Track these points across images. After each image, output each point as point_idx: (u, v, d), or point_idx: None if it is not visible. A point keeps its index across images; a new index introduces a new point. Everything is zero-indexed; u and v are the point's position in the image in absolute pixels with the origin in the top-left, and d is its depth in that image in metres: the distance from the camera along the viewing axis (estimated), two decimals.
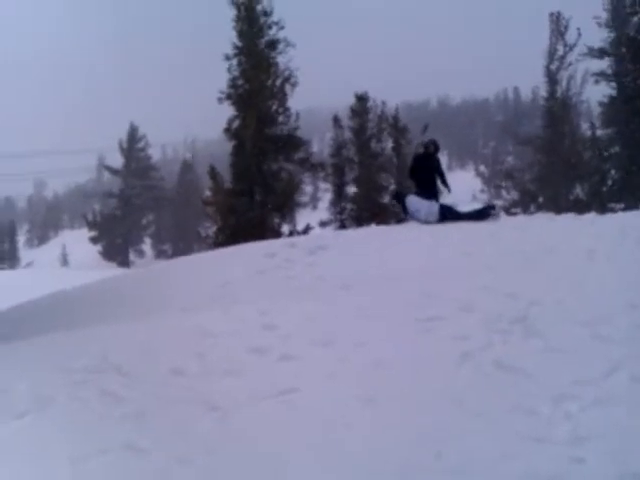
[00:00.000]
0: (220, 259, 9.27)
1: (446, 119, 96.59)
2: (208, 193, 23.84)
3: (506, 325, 4.07)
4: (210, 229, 27.47)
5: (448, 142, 78.96)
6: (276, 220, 21.44)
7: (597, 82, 25.13)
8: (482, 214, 9.72)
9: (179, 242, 58.24)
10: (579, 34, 25.09)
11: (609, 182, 24.77)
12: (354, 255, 7.54)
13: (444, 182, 11.12)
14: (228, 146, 21.75)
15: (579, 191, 25.58)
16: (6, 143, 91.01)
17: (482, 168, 67.21)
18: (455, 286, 5.14)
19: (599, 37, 24.96)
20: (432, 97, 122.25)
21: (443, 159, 18.07)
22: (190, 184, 60.30)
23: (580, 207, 19.16)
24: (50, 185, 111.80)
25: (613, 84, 24.83)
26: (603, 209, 18.13)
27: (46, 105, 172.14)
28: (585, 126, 29.41)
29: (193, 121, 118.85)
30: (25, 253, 67.12)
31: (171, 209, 59.62)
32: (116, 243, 55.71)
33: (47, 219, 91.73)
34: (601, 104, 26.16)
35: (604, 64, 25.01)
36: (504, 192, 30.13)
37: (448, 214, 9.61)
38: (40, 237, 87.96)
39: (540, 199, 26.63)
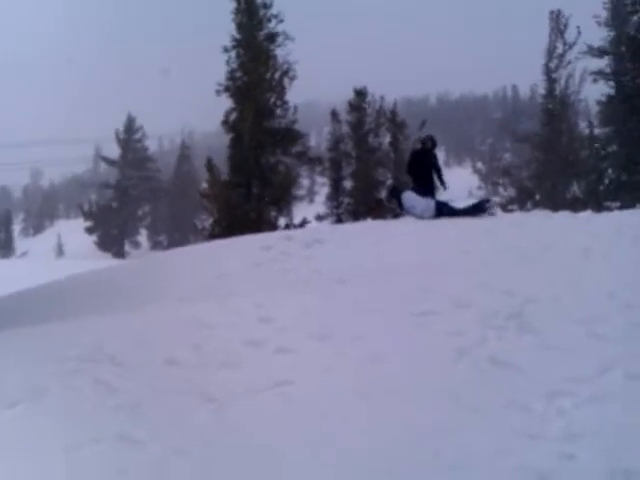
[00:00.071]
0: (216, 251, 9.26)
1: (445, 115, 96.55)
2: (205, 185, 23.78)
3: (502, 321, 4.07)
4: (206, 221, 27.41)
5: (446, 138, 79.06)
6: (273, 213, 21.43)
7: (595, 81, 25.12)
8: (477, 208, 9.77)
9: (175, 234, 58.15)
10: (579, 32, 25.04)
11: (606, 181, 24.81)
12: (350, 249, 7.54)
13: (440, 179, 11.14)
14: (226, 138, 21.70)
15: (576, 189, 25.61)
16: (3, 132, 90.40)
17: (479, 165, 67.37)
18: (451, 282, 5.14)
19: (599, 36, 24.97)
20: (431, 93, 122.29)
21: (440, 155, 18.09)
22: (187, 176, 60.19)
23: (577, 205, 19.24)
24: (46, 174, 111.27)
25: (611, 83, 24.83)
26: (599, 207, 18.19)
27: (44, 95, 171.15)
28: (583, 124, 29.39)
29: (191, 113, 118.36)
30: (20, 242, 66.96)
31: (167, 201, 59.50)
32: (112, 234, 55.59)
33: (43, 209, 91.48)
34: (599, 103, 26.16)
35: (603, 63, 25.04)
36: (501, 189, 30.16)
37: (444, 210, 9.63)
38: (36, 227, 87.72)
39: (537, 196, 26.66)
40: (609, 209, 16.95)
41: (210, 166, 21.19)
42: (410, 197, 10.15)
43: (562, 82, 26.31)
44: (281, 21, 21.53)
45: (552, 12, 25.90)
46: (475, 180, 60.02)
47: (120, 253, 53.47)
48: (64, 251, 61.48)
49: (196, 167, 56.45)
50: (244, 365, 3.78)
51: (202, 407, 3.26)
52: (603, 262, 5.51)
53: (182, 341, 4.24)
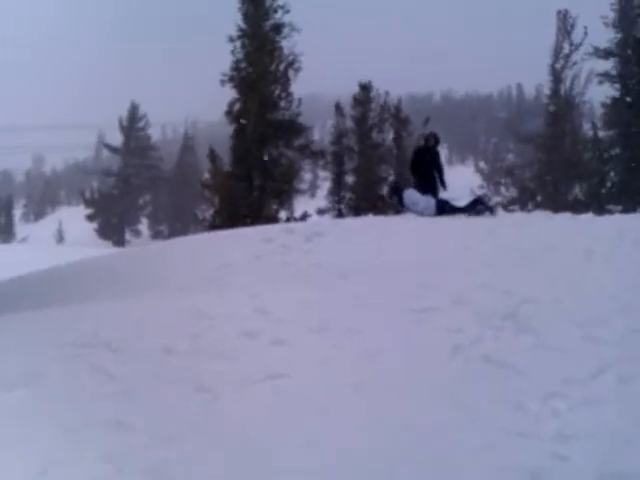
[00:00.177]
0: (217, 242, 9.26)
1: (449, 113, 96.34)
2: (207, 175, 23.72)
3: (499, 321, 4.07)
4: (207, 212, 27.42)
5: (449, 136, 78.79)
6: (274, 206, 21.37)
7: (601, 83, 25.07)
8: (477, 203, 9.78)
9: (176, 223, 58.17)
10: (585, 33, 24.91)
11: (608, 184, 24.79)
12: (351, 244, 7.53)
13: (441, 179, 11.12)
14: (229, 129, 21.60)
15: (578, 191, 25.59)
16: (6, 115, 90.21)
17: (482, 164, 67.21)
18: (451, 280, 5.14)
19: (605, 37, 24.89)
20: (436, 90, 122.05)
21: (443, 153, 18.05)
22: (189, 165, 60.14)
23: (578, 207, 19.19)
24: (49, 160, 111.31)
25: (617, 85, 24.78)
26: (601, 210, 18.15)
27: (48, 80, 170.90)
28: (587, 126, 29.28)
29: (194, 102, 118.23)
30: (21, 228, 66.87)
31: (169, 190, 59.45)
32: (112, 222, 55.58)
33: (45, 194, 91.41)
34: (604, 105, 26.08)
35: (609, 65, 24.98)
36: (503, 189, 30.13)
37: (445, 208, 9.64)
38: (37, 212, 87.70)
39: (539, 197, 26.63)
40: (611, 212, 16.91)
41: (213, 156, 21.11)
42: (412, 195, 10.16)
43: (567, 83, 26.22)
44: (287, 12, 21.38)
45: (559, 12, 25.79)
46: (477, 179, 59.81)
47: (120, 241, 53.48)
48: (64, 238, 61.46)
49: (199, 157, 56.41)
50: (240, 356, 3.78)
51: (195, 396, 3.27)
52: (604, 265, 5.50)
53: (180, 330, 4.25)
